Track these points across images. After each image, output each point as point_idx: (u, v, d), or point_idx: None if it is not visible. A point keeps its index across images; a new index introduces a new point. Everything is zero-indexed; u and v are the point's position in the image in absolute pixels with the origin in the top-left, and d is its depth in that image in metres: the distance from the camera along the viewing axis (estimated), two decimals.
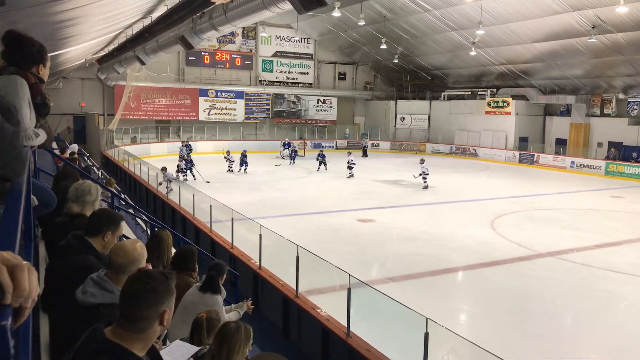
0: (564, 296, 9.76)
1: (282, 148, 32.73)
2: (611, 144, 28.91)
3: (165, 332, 3.62)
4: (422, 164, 21.65)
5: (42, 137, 2.65)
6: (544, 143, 32.87)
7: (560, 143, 31.67)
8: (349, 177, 23.85)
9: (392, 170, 26.67)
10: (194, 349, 3.36)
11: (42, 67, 2.76)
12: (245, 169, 24.99)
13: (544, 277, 10.63)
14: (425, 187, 21.15)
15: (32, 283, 0.93)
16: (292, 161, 29.41)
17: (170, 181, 17.81)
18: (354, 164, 24.30)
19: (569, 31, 24.99)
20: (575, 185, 23.81)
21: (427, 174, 21.28)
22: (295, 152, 30.17)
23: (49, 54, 2.88)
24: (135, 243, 2.64)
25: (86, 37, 13.12)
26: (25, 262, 0.96)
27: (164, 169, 17.89)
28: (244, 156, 25.15)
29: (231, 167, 25.04)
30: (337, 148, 38.22)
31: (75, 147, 15.29)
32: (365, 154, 35.19)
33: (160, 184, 17.54)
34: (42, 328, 2.60)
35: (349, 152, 26.20)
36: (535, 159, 31.38)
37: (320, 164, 26.26)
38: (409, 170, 27.28)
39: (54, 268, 2.87)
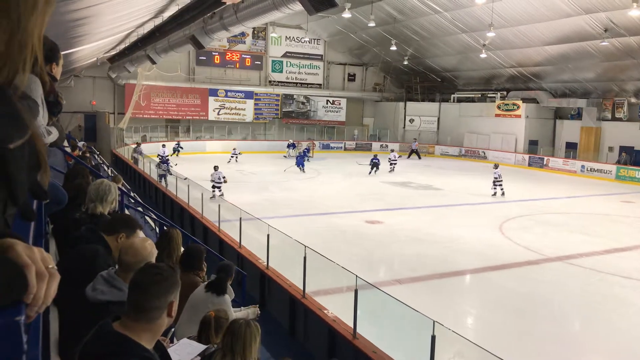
0: (571, 301, 9.70)
1: (288, 149, 32.77)
2: (622, 149, 28.63)
3: (173, 330, 3.65)
4: (496, 169, 20.67)
5: (54, 134, 2.67)
6: (554, 147, 32.61)
7: (571, 147, 31.39)
8: (390, 172, 25.89)
9: (400, 172, 26.57)
10: (201, 347, 3.38)
11: (55, 66, 2.79)
12: (302, 169, 25.51)
13: (551, 282, 10.57)
14: (494, 194, 20.39)
15: (52, 290, 0.92)
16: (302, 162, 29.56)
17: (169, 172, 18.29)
18: (396, 161, 26.53)
19: (580, 34, 24.80)
20: (585, 190, 23.61)
21: (501, 180, 20.30)
22: (307, 150, 30.10)
23: (62, 52, 2.90)
24: (144, 242, 2.65)
25: (98, 36, 13.20)
26: (56, 271, 0.94)
27: (215, 168, 18.17)
28: (306, 151, 26.32)
29: (232, 158, 27.79)
30: (345, 149, 38.18)
31: (81, 144, 15.44)
32: (418, 156, 34.13)
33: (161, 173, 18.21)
34: (51, 324, 2.62)
35: (391, 150, 28.17)
36: (545, 163, 31.15)
37: (372, 167, 25.35)
38: (418, 172, 27.29)
39: (64, 258, 2.92)
